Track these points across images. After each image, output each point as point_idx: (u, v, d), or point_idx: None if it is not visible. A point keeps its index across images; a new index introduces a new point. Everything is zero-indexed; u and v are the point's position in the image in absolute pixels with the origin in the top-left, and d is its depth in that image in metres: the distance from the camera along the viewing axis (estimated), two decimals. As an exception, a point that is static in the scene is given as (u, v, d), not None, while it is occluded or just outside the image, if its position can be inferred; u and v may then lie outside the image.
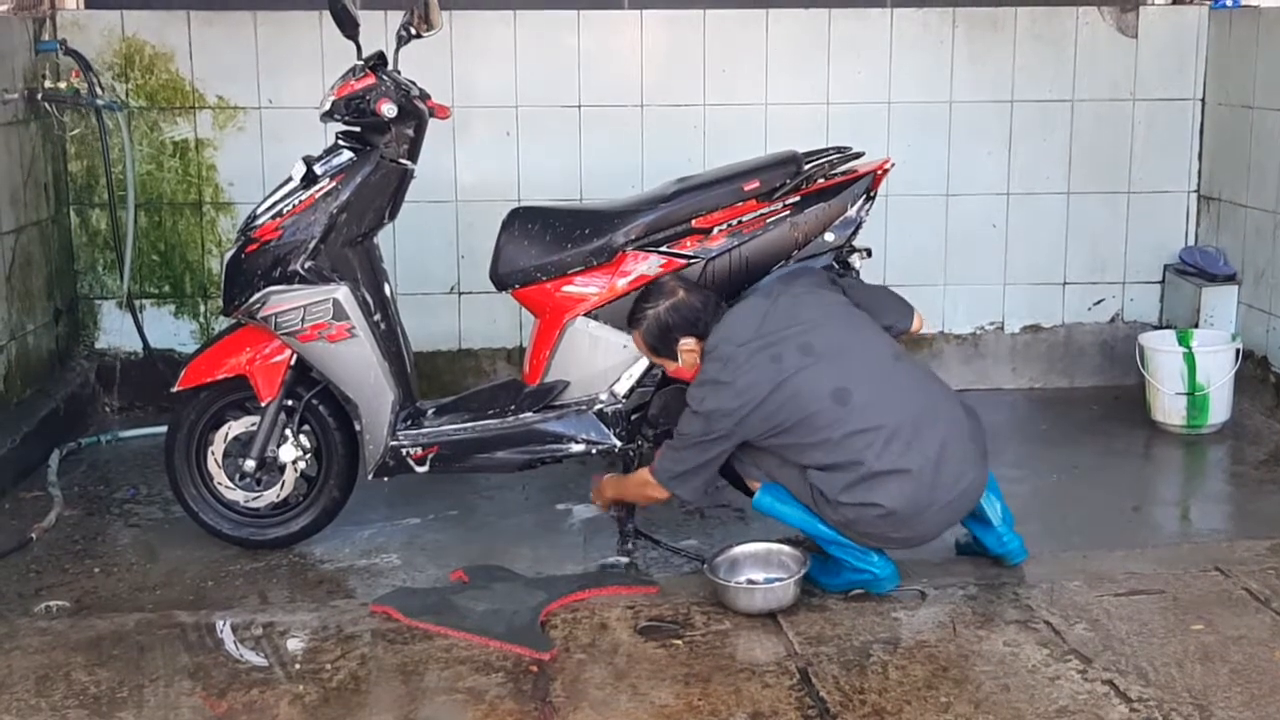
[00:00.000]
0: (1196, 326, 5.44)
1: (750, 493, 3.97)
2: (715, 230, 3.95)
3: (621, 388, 4.03)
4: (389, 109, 3.90)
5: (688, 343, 3.76)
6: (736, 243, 3.94)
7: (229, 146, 5.46)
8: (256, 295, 3.97)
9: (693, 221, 3.96)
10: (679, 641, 3.41)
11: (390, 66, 4.06)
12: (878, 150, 4.59)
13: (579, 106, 5.52)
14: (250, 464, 4.09)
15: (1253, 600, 3.58)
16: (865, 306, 3.82)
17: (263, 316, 3.98)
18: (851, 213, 3.97)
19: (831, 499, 3.55)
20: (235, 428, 4.17)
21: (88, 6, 5.47)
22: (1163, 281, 5.79)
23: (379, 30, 4.73)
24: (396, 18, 4.11)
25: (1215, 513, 4.66)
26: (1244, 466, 4.90)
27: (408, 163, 4.06)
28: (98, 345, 5.58)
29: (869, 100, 5.59)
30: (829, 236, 3.96)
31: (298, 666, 3.35)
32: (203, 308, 5.57)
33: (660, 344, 3.80)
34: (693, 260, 3.95)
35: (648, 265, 3.98)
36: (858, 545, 3.61)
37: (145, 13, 5.39)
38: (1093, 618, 3.49)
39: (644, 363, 4.00)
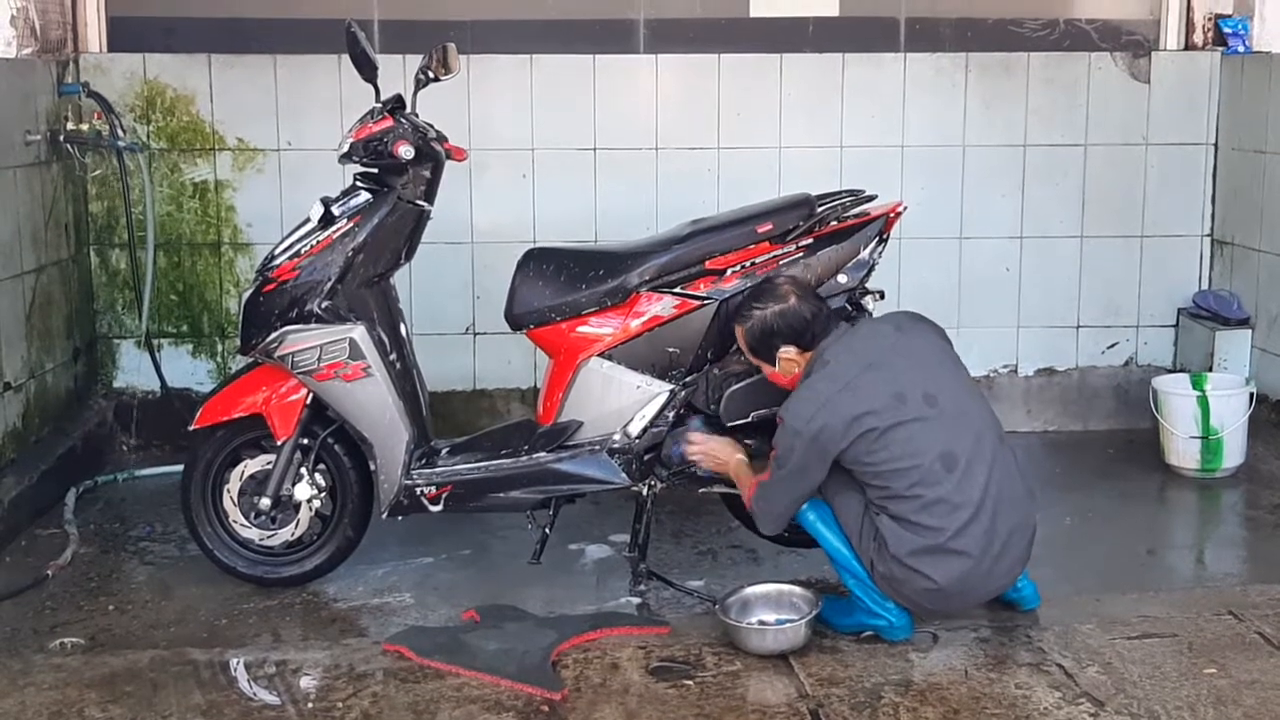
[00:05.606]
0: (1210, 370, 5.44)
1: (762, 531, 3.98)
2: (729, 272, 3.96)
3: (635, 428, 4.03)
4: (406, 151, 3.94)
5: (789, 351, 3.69)
6: (750, 284, 3.92)
7: (248, 188, 5.52)
8: (273, 335, 4.00)
9: (706, 263, 3.97)
10: (690, 682, 3.41)
11: (408, 109, 4.09)
12: (891, 194, 4.60)
13: (594, 149, 5.57)
14: (266, 502, 4.11)
15: (1266, 644, 3.57)
16: None
17: (279, 356, 4.01)
18: (864, 255, 3.98)
19: (892, 554, 3.48)
20: (251, 466, 4.19)
21: (110, 50, 5.55)
22: (1176, 325, 5.79)
23: (397, 74, 4.78)
24: (415, 61, 4.15)
25: (1229, 557, 4.65)
26: (1258, 510, 4.89)
27: (424, 204, 4.10)
28: (116, 384, 5.61)
29: (882, 144, 5.62)
30: (842, 279, 3.97)
31: (310, 705, 3.35)
32: (220, 347, 5.61)
33: (760, 346, 3.73)
34: (706, 301, 3.96)
35: (661, 306, 4.00)
36: (879, 591, 3.59)
37: (167, 56, 5.47)
38: (1105, 661, 3.48)
39: (657, 403, 4.01)
